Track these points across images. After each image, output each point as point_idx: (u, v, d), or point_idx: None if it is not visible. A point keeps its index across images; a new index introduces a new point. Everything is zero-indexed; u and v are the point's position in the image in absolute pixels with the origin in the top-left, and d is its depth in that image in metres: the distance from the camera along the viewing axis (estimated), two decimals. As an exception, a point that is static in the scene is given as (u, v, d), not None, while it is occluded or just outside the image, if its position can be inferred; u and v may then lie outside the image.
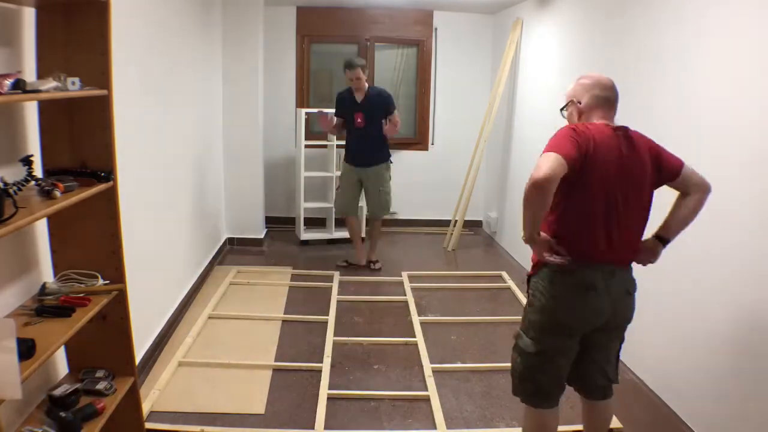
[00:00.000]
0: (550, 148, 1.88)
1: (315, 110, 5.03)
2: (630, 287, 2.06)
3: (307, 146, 5.60)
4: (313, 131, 5.76)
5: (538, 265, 2.05)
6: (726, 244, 2.44)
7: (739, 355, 2.34)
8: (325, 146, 5.80)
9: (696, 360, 2.61)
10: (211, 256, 4.83)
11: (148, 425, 2.49)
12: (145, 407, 2.56)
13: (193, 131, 4.30)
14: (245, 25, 5.19)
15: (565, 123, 2.15)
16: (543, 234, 1.98)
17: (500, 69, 5.36)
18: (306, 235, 5.69)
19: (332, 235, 5.76)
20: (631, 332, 2.23)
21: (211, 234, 4.89)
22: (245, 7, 5.15)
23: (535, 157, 4.02)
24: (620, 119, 3.20)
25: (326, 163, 5.85)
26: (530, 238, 1.97)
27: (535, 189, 1.83)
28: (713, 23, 2.55)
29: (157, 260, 3.40)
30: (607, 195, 1.95)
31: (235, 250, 5.39)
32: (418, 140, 6.31)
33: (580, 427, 2.45)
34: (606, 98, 2.08)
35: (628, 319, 2.11)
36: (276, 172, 6.07)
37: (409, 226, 6.32)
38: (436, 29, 6.10)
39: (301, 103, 6.08)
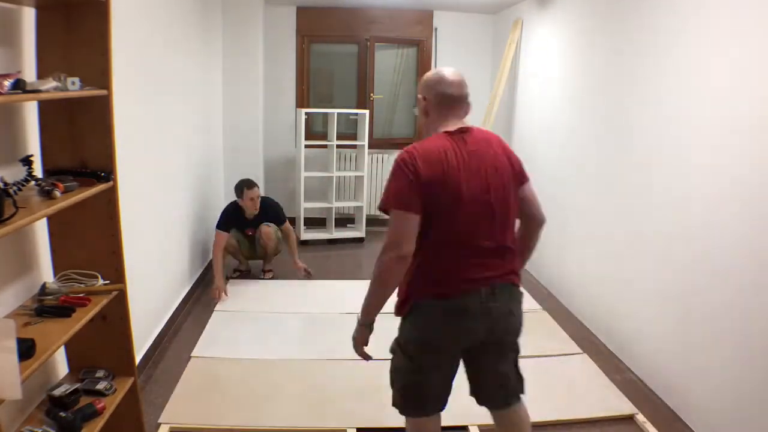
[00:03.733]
0: (392, 200, 1.76)
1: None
2: (513, 307, 1.89)
3: (307, 146, 5.60)
4: (313, 131, 5.75)
5: (406, 305, 1.88)
6: (726, 243, 2.44)
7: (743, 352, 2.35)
8: (325, 146, 5.79)
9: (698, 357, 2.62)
10: (211, 256, 4.83)
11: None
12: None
13: (194, 131, 4.30)
14: (245, 26, 5.19)
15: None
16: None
17: (500, 69, 5.36)
18: (306, 235, 5.70)
19: (332, 235, 5.76)
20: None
21: (211, 234, 4.88)
22: (245, 8, 5.16)
23: (535, 157, 4.07)
24: (620, 118, 3.21)
25: (327, 163, 5.85)
26: (370, 324, 1.88)
27: (400, 263, 1.73)
28: (713, 21, 2.55)
29: (157, 260, 3.40)
30: (468, 213, 1.77)
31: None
32: (418, 140, 6.29)
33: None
34: (450, 96, 1.90)
35: (513, 335, 1.95)
36: (276, 172, 6.07)
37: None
38: (436, 29, 6.10)
39: (301, 103, 6.08)
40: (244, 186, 4.42)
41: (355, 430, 2.61)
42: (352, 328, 1.95)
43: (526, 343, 2.02)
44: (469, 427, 2.64)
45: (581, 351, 3.38)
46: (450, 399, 1.99)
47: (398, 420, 2.07)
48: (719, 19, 2.51)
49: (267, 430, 2.61)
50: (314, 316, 3.85)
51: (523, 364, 2.03)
